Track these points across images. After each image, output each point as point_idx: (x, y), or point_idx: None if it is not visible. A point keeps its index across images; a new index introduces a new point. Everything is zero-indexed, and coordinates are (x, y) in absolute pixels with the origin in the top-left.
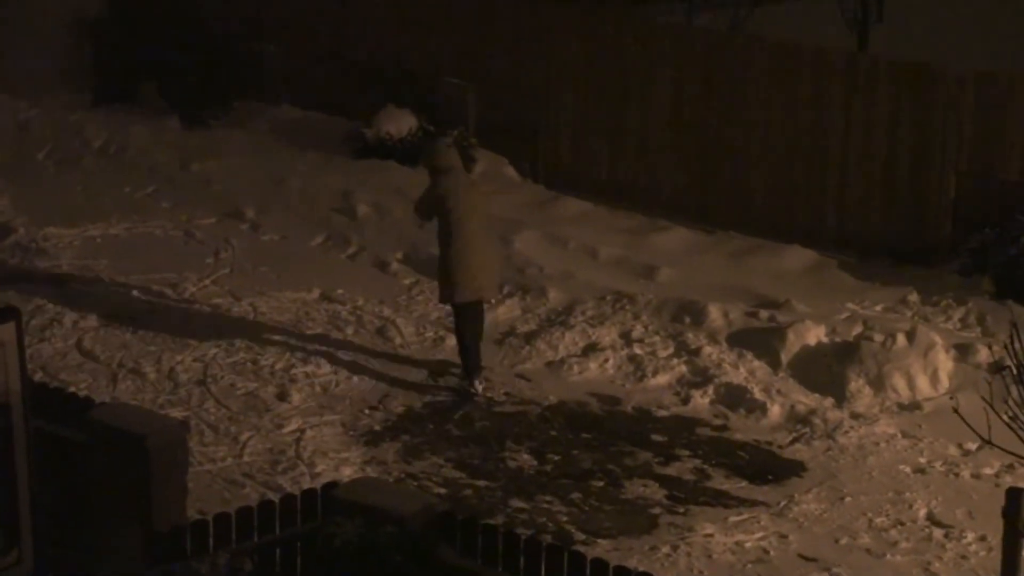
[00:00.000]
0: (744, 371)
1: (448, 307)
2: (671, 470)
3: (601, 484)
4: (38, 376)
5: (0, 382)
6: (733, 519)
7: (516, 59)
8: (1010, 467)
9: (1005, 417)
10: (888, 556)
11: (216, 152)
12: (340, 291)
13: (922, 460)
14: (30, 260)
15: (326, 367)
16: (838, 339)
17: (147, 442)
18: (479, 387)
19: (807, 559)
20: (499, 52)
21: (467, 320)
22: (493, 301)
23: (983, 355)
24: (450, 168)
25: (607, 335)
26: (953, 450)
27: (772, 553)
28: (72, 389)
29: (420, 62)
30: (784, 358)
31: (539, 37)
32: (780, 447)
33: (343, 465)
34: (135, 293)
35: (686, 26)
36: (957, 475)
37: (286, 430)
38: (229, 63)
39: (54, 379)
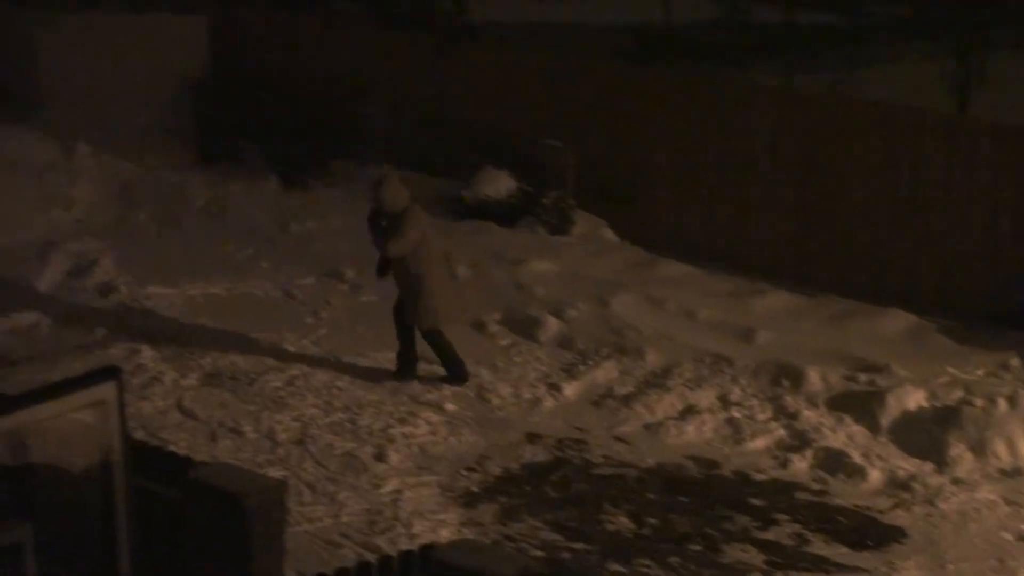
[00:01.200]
0: (843, 435)
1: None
2: (770, 535)
3: (699, 548)
4: (138, 435)
5: (101, 441)
6: None
7: (615, 122)
8: None
9: None
10: None
11: (316, 212)
12: None
13: None
14: (132, 319)
15: (423, 428)
16: (938, 404)
17: (246, 502)
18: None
19: None
20: (598, 114)
21: (444, 337)
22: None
23: None
24: (411, 201)
25: (705, 398)
26: None
27: None
28: (172, 448)
29: (519, 124)
30: (884, 422)
31: (638, 100)
32: (880, 512)
33: (441, 526)
34: (235, 352)
35: (784, 89)
36: None
37: (384, 490)
38: (329, 124)
39: (154, 438)
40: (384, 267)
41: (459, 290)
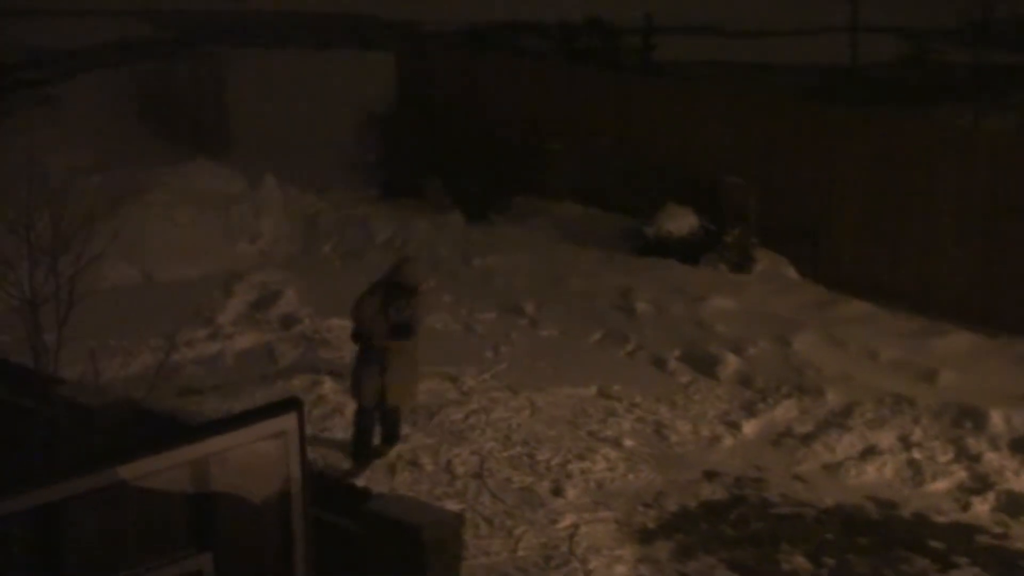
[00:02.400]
0: None
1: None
2: None
3: None
4: (319, 466)
5: (281, 471)
6: None
7: (798, 160)
8: None
9: None
10: None
11: (497, 247)
12: (617, 387)
13: None
14: (313, 351)
15: (601, 463)
16: None
17: (423, 534)
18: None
19: None
20: (781, 152)
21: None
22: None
23: None
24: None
25: (886, 438)
26: None
27: None
28: (351, 480)
29: (702, 161)
30: None
31: (822, 139)
32: None
33: (616, 563)
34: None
35: (969, 128)
36: None
37: (560, 525)
38: (512, 160)
39: (334, 469)
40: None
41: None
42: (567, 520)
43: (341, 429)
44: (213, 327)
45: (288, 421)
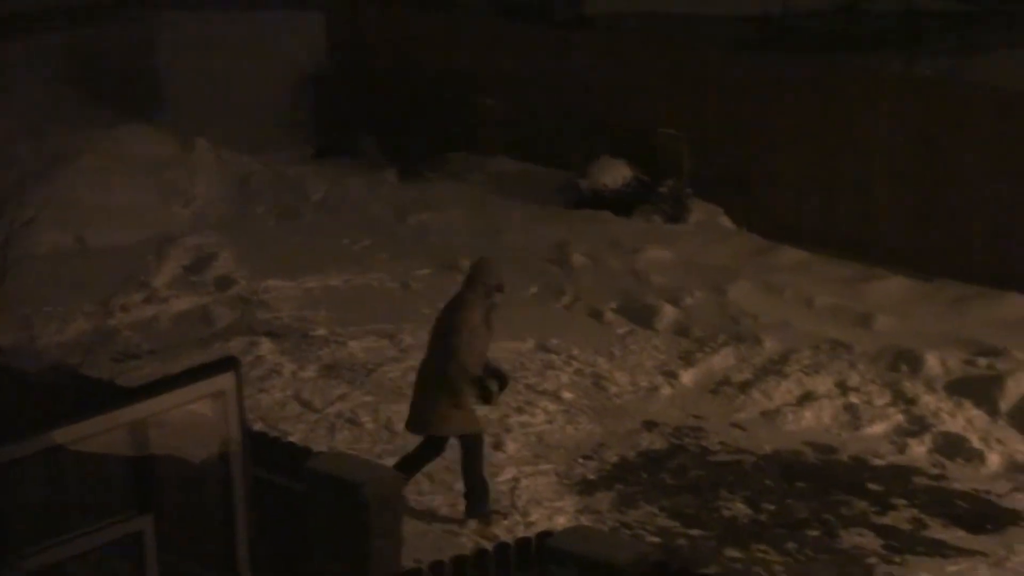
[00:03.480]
0: (962, 420)
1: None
2: (887, 519)
3: (816, 533)
4: (257, 426)
5: (220, 431)
6: (951, 569)
7: (732, 110)
8: None
9: None
10: None
11: (433, 204)
12: (555, 341)
13: None
14: (250, 312)
15: (541, 416)
16: None
17: (364, 491)
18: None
19: None
20: (714, 103)
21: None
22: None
23: None
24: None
25: (823, 384)
26: None
27: None
28: (290, 439)
29: (636, 113)
30: (1003, 406)
31: (754, 88)
32: (999, 496)
33: (557, 514)
34: (353, 344)
35: (904, 75)
36: None
37: (501, 479)
38: (446, 116)
39: (273, 429)
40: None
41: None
42: (508, 473)
43: (279, 389)
44: (148, 291)
45: (226, 381)
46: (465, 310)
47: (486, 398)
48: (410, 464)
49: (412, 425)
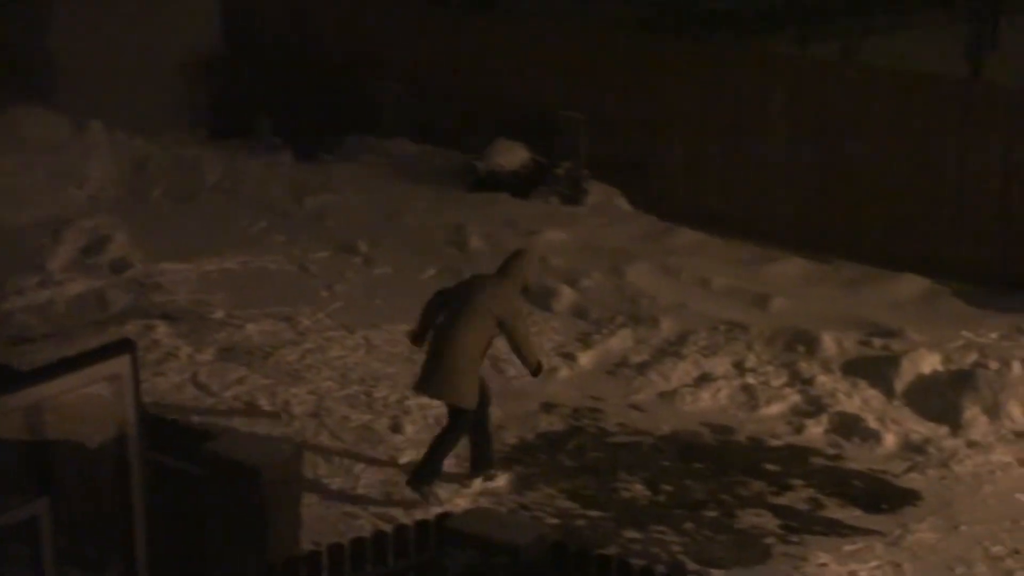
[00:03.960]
0: (858, 400)
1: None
2: (785, 499)
3: (714, 514)
4: (154, 409)
5: (116, 415)
6: (848, 548)
7: (629, 91)
8: None
9: None
10: None
11: (330, 187)
12: None
13: None
14: (146, 295)
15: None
16: (953, 367)
17: (262, 474)
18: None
19: None
20: (612, 85)
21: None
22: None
23: None
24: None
25: (720, 365)
26: None
27: None
28: (188, 422)
29: (532, 95)
30: (898, 387)
31: (652, 70)
32: (895, 476)
33: (456, 496)
34: (250, 327)
35: (799, 57)
36: None
37: (400, 462)
38: (343, 98)
39: (170, 412)
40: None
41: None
42: (407, 456)
43: (176, 372)
44: (43, 274)
45: (121, 364)
46: (515, 299)
47: (537, 373)
48: (482, 457)
49: (433, 390)
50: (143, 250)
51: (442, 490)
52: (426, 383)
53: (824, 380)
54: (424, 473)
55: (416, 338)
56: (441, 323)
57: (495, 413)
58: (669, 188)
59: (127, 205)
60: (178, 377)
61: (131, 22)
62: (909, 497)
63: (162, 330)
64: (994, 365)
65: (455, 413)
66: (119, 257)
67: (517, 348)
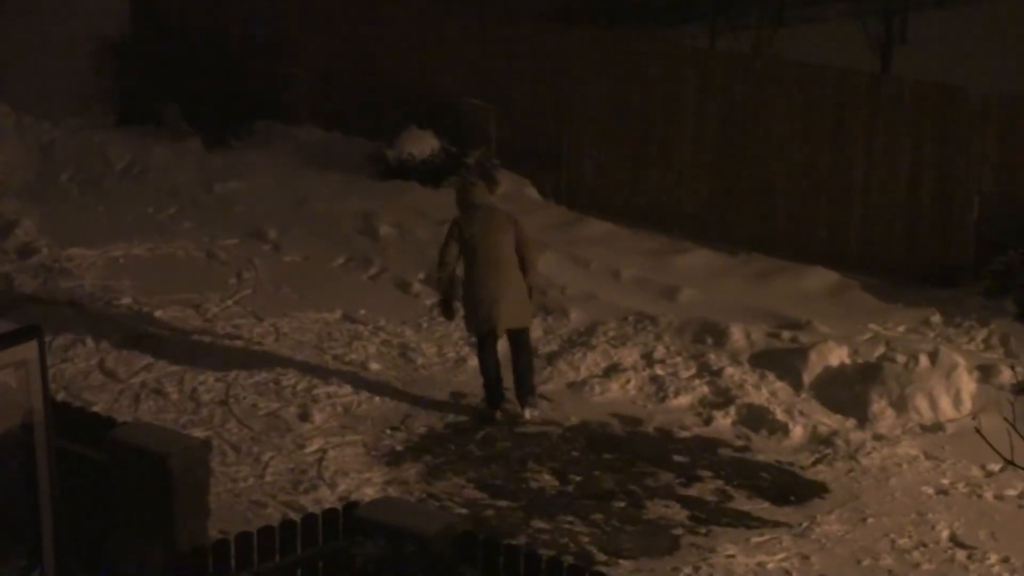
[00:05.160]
0: (766, 392)
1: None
2: (693, 491)
3: (623, 505)
4: (60, 396)
5: (23, 401)
6: (755, 540)
7: (539, 81)
8: None
9: None
10: None
11: (238, 173)
12: (362, 312)
13: (945, 481)
14: (53, 280)
15: (348, 387)
16: (861, 360)
17: (169, 462)
18: (498, 415)
19: None
20: (521, 74)
21: (484, 350)
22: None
23: (1006, 376)
24: (479, 204)
25: (629, 356)
26: (976, 471)
27: (794, 574)
28: (94, 409)
29: (442, 84)
30: (806, 379)
31: (562, 59)
32: (802, 468)
33: (365, 485)
34: (158, 313)
35: (709, 49)
36: (980, 496)
37: (308, 450)
38: (252, 84)
39: (77, 399)
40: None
41: (496, 299)
42: (315, 444)
43: (83, 359)
44: None
45: (28, 350)
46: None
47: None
48: (524, 378)
49: (525, 319)
50: (50, 235)
51: (350, 480)
52: (517, 316)
53: (732, 372)
54: (533, 395)
55: (447, 305)
56: (486, 258)
57: (403, 402)
58: (579, 178)
59: (34, 190)
60: (85, 363)
61: (39, 5)
62: (817, 489)
63: (69, 316)
64: (901, 359)
65: (526, 333)
66: (26, 242)
67: (530, 252)
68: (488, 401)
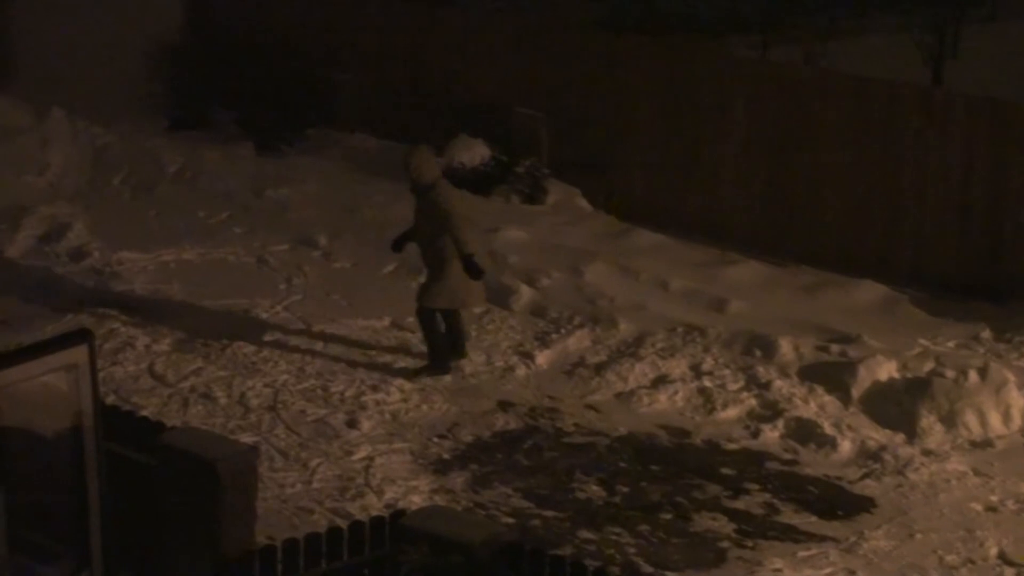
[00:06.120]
0: (815, 405)
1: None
2: (740, 504)
3: (670, 516)
4: (110, 399)
5: (73, 404)
6: (802, 554)
7: (590, 91)
8: None
9: None
10: None
11: (290, 179)
12: (410, 319)
13: (993, 498)
14: (104, 284)
15: (396, 395)
16: (910, 375)
17: (217, 467)
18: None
19: None
20: (573, 84)
21: (453, 320)
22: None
23: None
24: (439, 178)
25: (677, 367)
26: None
27: None
28: (144, 413)
29: (494, 93)
30: (855, 393)
31: (612, 69)
32: (850, 482)
33: (412, 493)
34: (207, 318)
35: (760, 60)
36: None
37: (355, 457)
38: (304, 91)
39: (126, 402)
40: (402, 241)
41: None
42: (362, 452)
43: (133, 362)
44: (1, 261)
45: (79, 354)
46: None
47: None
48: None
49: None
50: (102, 239)
51: (396, 488)
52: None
53: (781, 385)
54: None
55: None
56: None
57: (451, 410)
58: (629, 189)
59: (86, 194)
60: (134, 367)
61: (94, 10)
62: (864, 504)
63: (119, 320)
64: (950, 374)
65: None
66: (78, 246)
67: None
68: (442, 365)
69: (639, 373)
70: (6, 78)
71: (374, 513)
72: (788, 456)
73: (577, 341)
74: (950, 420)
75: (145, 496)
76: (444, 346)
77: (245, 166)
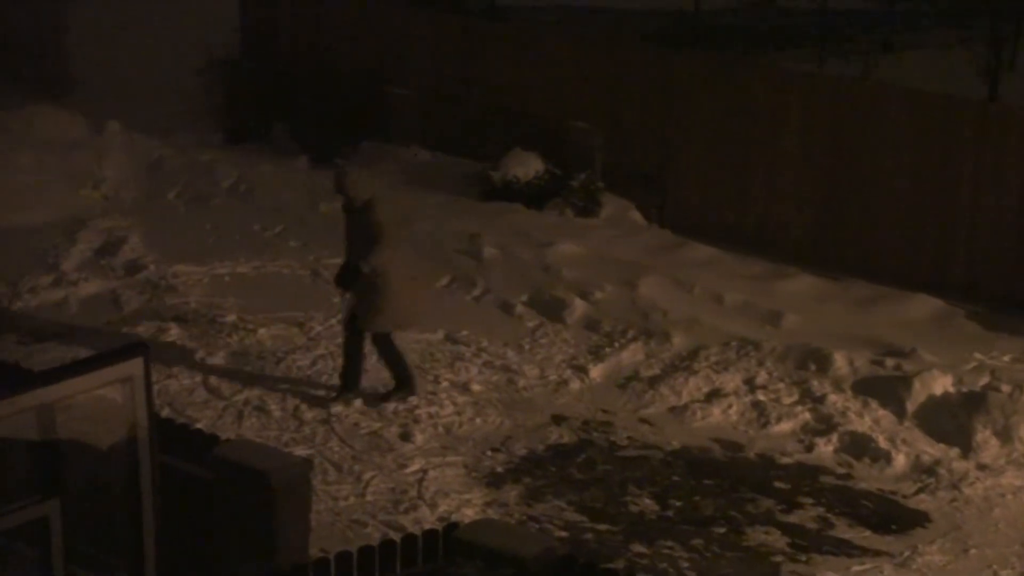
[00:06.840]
0: (869, 420)
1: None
2: (794, 518)
3: (723, 530)
4: (165, 412)
5: (128, 417)
6: (856, 568)
7: (644, 105)
8: None
9: None
10: None
11: None
12: (464, 332)
13: None
14: (159, 297)
15: (449, 408)
16: (965, 389)
17: (271, 479)
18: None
19: None
20: (627, 98)
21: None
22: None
23: None
24: (375, 196)
25: (731, 381)
26: None
27: None
28: (198, 425)
29: (548, 106)
30: (910, 407)
31: (667, 83)
32: (904, 497)
33: (465, 506)
34: (261, 331)
35: (815, 73)
36: None
37: (409, 470)
38: (359, 105)
39: (180, 415)
40: (352, 277)
41: (417, 294)
42: (415, 464)
43: (187, 375)
44: (57, 274)
45: (134, 367)
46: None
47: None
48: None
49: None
50: (157, 252)
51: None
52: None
53: (835, 399)
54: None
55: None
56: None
57: (504, 423)
58: (683, 202)
59: (142, 207)
60: (189, 380)
61: (150, 24)
62: (919, 519)
63: (174, 332)
64: (1006, 388)
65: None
66: (133, 259)
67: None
68: (409, 385)
69: (693, 387)
70: (63, 92)
71: (427, 526)
72: (842, 470)
73: (631, 355)
74: (1005, 434)
75: (199, 509)
76: (407, 365)
77: (300, 179)
